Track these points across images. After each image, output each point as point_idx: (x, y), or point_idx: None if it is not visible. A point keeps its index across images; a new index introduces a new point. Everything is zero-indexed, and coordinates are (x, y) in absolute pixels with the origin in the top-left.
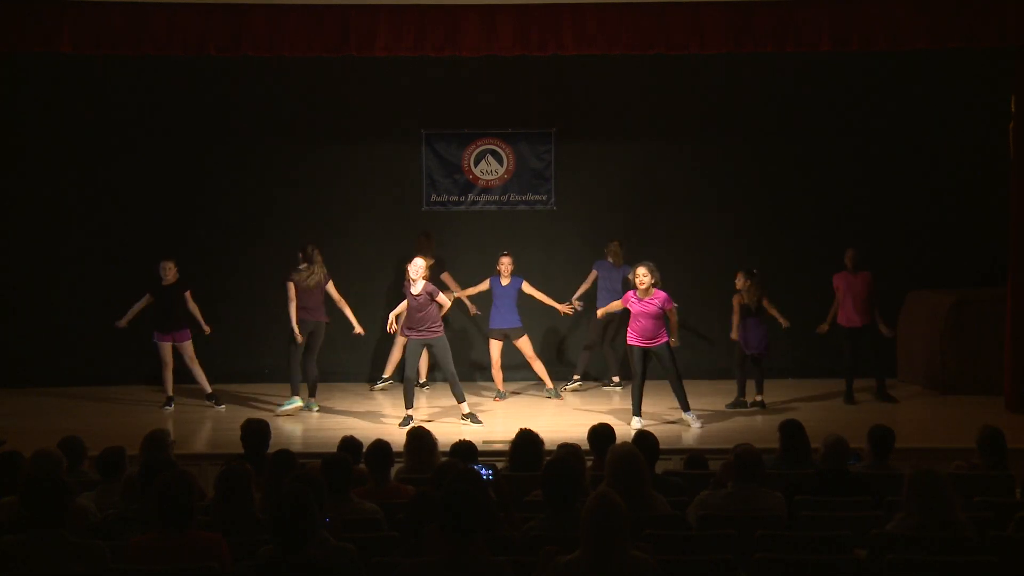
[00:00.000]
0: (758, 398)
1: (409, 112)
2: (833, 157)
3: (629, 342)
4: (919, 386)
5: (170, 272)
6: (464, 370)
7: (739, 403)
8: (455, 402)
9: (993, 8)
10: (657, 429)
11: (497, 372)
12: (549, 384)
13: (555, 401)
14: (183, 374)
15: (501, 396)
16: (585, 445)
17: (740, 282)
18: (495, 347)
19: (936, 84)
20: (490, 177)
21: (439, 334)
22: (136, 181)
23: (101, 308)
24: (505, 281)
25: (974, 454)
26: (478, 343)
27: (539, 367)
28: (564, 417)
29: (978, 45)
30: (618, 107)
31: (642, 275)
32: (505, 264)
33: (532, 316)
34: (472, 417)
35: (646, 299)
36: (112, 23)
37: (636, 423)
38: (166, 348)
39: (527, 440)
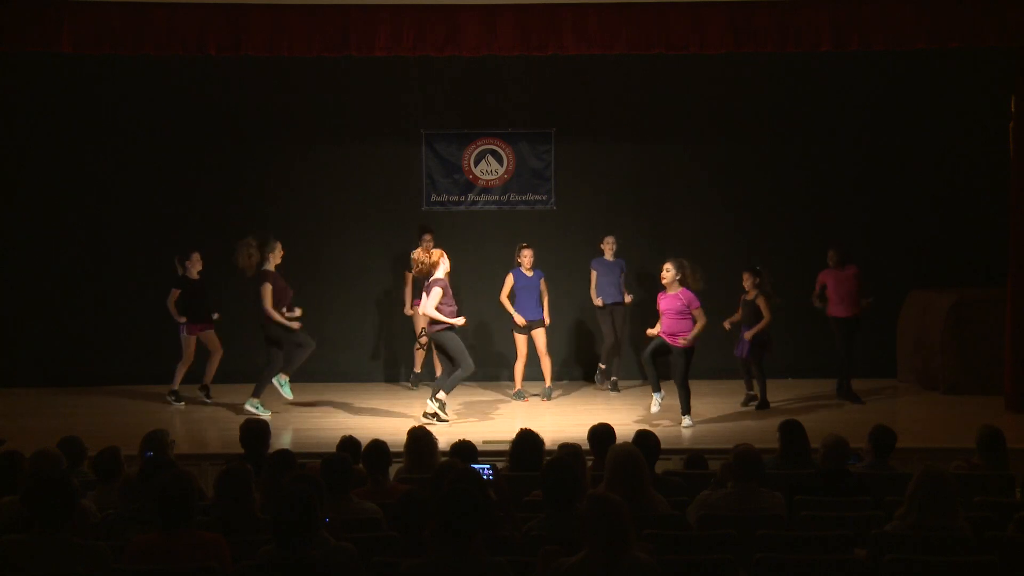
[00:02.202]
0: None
1: (409, 112)
2: (833, 157)
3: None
4: (919, 386)
5: (199, 263)
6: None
7: (753, 399)
8: (448, 400)
9: (993, 8)
10: (658, 428)
11: (522, 366)
12: (548, 383)
13: (555, 401)
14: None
15: (520, 396)
16: (585, 445)
17: (749, 282)
18: (520, 341)
19: (936, 84)
20: (490, 177)
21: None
22: (136, 181)
23: (100, 308)
24: (529, 273)
25: (974, 454)
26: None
27: (547, 364)
28: (565, 417)
29: (978, 45)
30: (618, 107)
31: (664, 270)
32: (527, 256)
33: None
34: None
35: (671, 294)
36: (112, 23)
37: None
38: (194, 341)
39: (527, 440)
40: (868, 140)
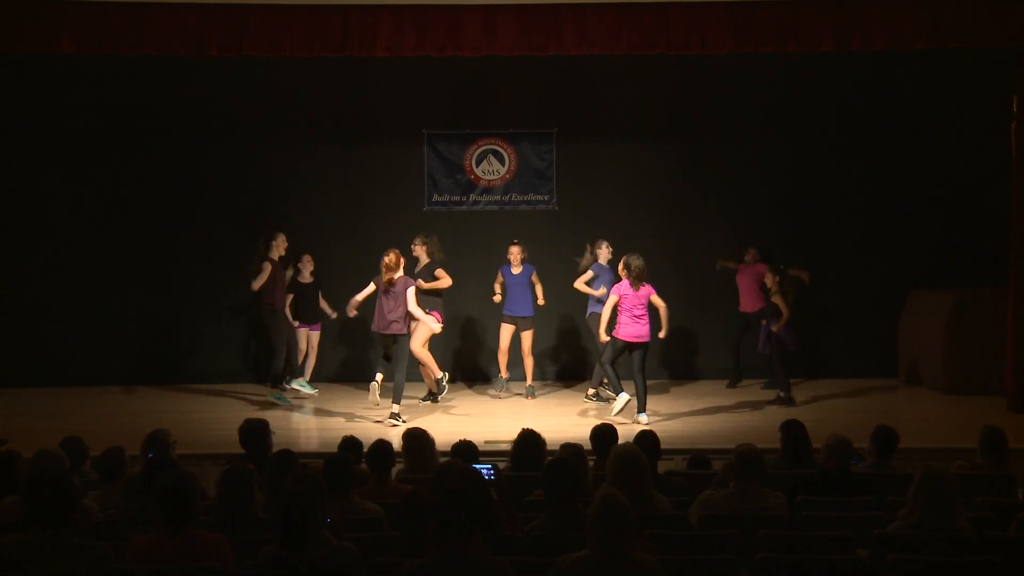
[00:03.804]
0: (782, 395)
1: (411, 112)
2: (835, 157)
3: (625, 337)
4: (921, 386)
5: (311, 264)
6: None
7: (786, 398)
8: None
9: (995, 9)
10: (658, 428)
11: (504, 356)
12: (529, 381)
13: (555, 400)
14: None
15: (503, 384)
16: (587, 445)
17: (771, 280)
18: (505, 332)
19: (938, 84)
20: (492, 177)
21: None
22: (137, 181)
23: (104, 307)
24: (516, 270)
25: (976, 454)
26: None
27: (530, 363)
28: (567, 417)
29: (979, 45)
30: (619, 107)
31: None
32: (515, 253)
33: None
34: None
35: (642, 289)
36: (113, 23)
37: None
38: (305, 337)
39: (529, 440)
40: (869, 140)
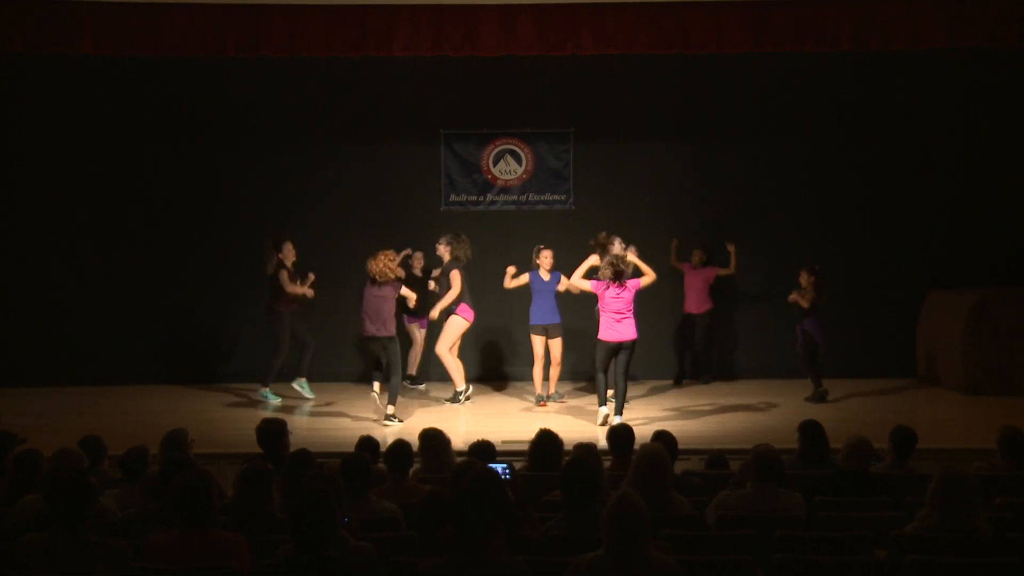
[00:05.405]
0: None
1: (428, 112)
2: (852, 156)
3: (607, 339)
4: (940, 386)
5: (421, 261)
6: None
7: (822, 394)
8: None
9: (1013, 7)
10: (676, 428)
11: (539, 371)
12: (553, 389)
13: (571, 401)
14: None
15: (541, 399)
16: (600, 444)
17: (805, 280)
18: (538, 343)
19: (955, 83)
20: (509, 177)
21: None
22: (153, 180)
23: (122, 308)
24: (546, 276)
25: (995, 455)
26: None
27: (556, 372)
28: (582, 418)
29: (998, 45)
30: (636, 107)
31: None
32: (546, 257)
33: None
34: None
35: (625, 288)
36: (132, 23)
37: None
38: (414, 330)
39: (546, 440)
40: (887, 139)
